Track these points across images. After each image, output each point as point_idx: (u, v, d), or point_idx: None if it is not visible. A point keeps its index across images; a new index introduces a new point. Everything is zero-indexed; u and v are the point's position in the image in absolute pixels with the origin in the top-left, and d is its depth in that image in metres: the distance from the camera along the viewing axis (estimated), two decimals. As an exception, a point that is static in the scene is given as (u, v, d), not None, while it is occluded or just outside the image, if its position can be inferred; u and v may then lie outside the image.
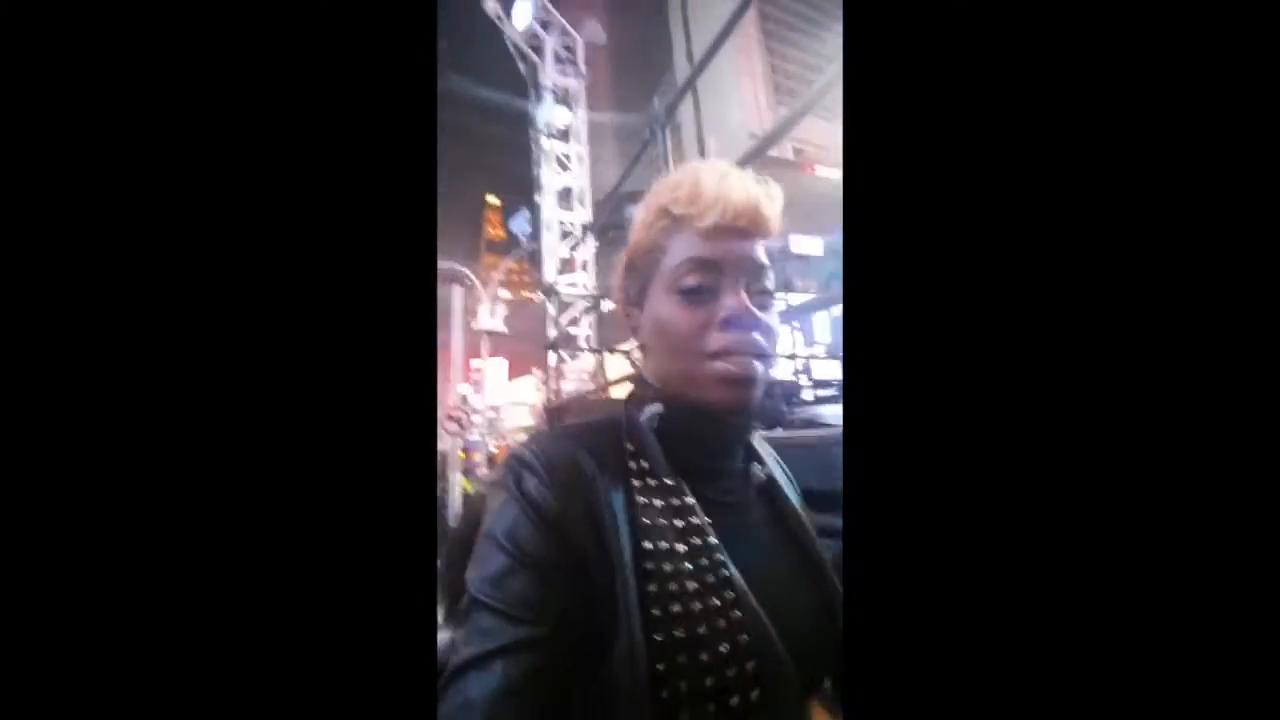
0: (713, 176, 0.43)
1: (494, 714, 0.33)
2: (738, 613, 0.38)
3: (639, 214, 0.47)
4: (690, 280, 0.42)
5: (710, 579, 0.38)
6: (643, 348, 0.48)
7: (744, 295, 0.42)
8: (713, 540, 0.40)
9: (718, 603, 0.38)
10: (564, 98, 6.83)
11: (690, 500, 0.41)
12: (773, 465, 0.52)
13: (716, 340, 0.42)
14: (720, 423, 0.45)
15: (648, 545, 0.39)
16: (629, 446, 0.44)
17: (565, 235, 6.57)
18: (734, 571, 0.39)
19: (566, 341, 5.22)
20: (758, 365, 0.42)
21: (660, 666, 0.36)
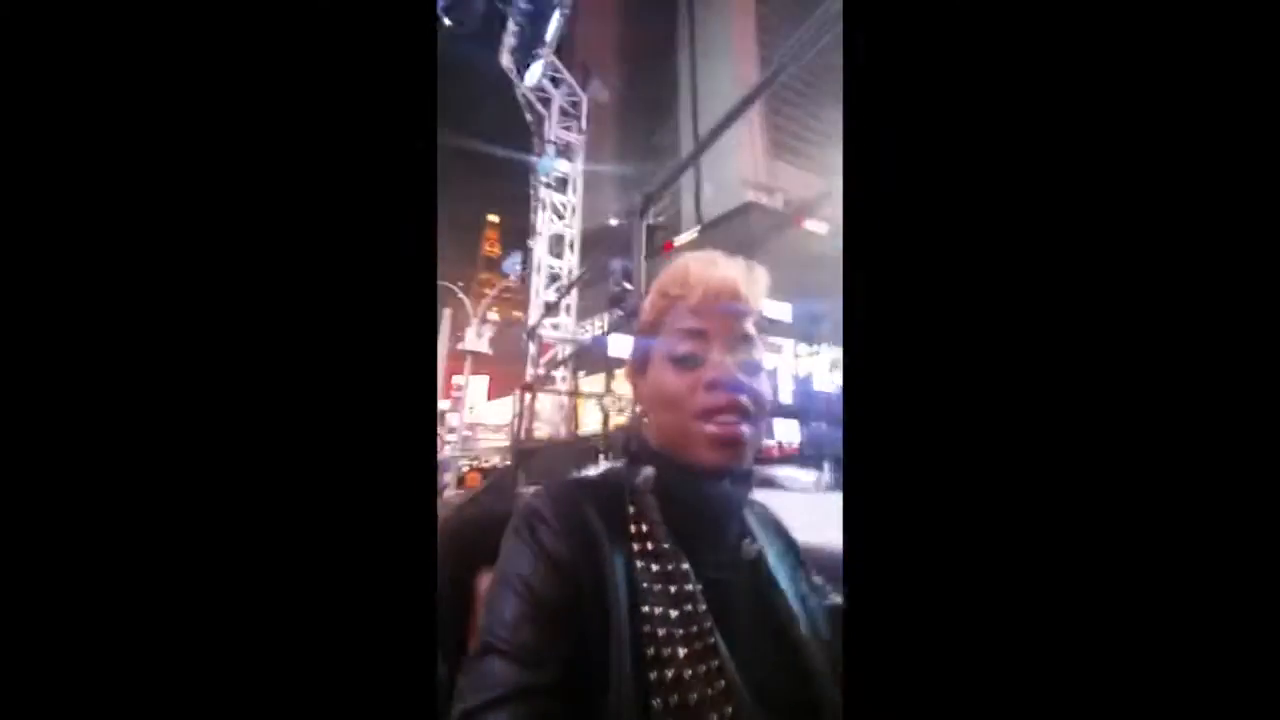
0: (700, 263, 0.50)
1: None
2: (722, 682, 0.39)
3: (647, 301, 0.53)
4: (681, 348, 0.47)
5: (698, 645, 0.40)
6: (644, 412, 0.52)
7: (728, 361, 0.46)
8: (703, 608, 0.42)
9: (704, 669, 0.39)
10: (565, 150, 7.34)
11: (685, 567, 0.43)
12: (765, 539, 0.54)
13: (703, 401, 0.45)
14: (713, 486, 0.47)
15: (644, 609, 0.41)
16: (631, 509, 0.46)
17: (553, 280, 6.99)
18: (719, 640, 0.41)
19: (543, 383, 5.53)
20: (744, 428, 0.45)
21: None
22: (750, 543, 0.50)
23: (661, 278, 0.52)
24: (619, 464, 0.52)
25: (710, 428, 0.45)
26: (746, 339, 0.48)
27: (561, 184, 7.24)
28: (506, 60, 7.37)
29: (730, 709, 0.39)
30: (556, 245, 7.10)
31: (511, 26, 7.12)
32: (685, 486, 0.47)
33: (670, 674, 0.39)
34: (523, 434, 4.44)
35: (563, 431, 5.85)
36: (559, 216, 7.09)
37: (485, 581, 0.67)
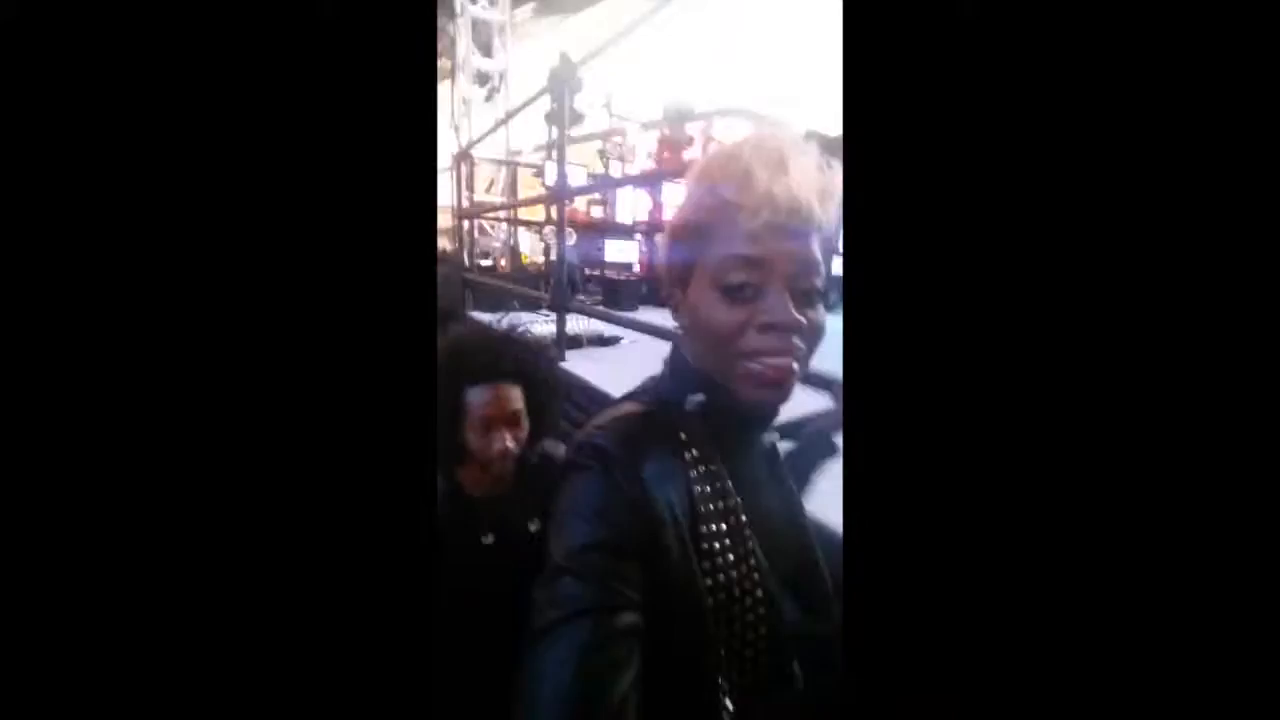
0: (767, 166, 0.41)
1: (581, 668, 0.35)
2: (758, 577, 0.43)
3: (689, 184, 0.46)
4: (734, 278, 0.42)
5: (741, 551, 0.43)
6: (684, 329, 0.48)
7: (788, 298, 0.41)
8: (744, 518, 0.44)
9: (745, 570, 0.43)
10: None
11: (729, 484, 0.45)
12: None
13: (754, 341, 0.42)
14: (757, 409, 0.46)
15: (703, 529, 0.42)
16: (682, 436, 0.46)
17: (483, 81, 5.72)
18: (756, 545, 0.44)
19: (481, 210, 4.83)
20: (794, 366, 0.43)
21: (709, 630, 0.41)
22: (767, 435, 0.52)
23: (710, 166, 0.45)
24: (659, 381, 0.51)
25: (757, 367, 0.43)
26: (810, 264, 0.42)
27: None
28: None
29: (761, 592, 0.43)
30: (483, 33, 5.66)
31: None
32: (730, 410, 0.46)
33: (721, 578, 0.42)
34: (468, 263, 4.12)
35: (504, 263, 5.42)
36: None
37: (474, 395, 0.84)
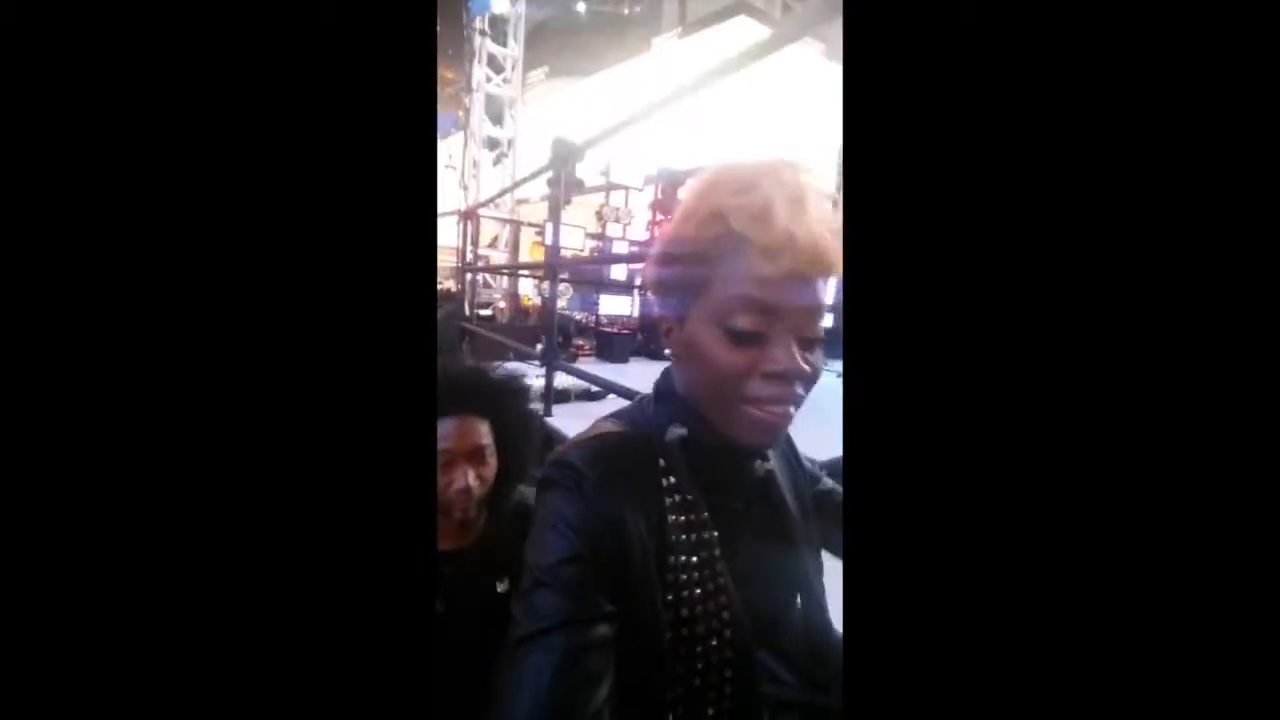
0: (787, 202, 0.38)
1: (558, 679, 0.36)
2: (727, 614, 0.43)
3: (686, 199, 0.43)
4: (742, 323, 0.39)
5: (710, 587, 0.43)
6: (675, 357, 0.46)
7: (794, 348, 0.40)
8: (717, 552, 0.44)
9: (714, 605, 0.43)
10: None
11: (705, 515, 0.44)
12: (775, 456, 0.53)
13: (757, 389, 0.40)
14: (744, 449, 0.46)
15: (670, 558, 0.42)
16: (661, 461, 0.45)
17: (493, 146, 6.20)
18: (729, 579, 0.44)
19: (482, 267, 5.15)
20: (792, 410, 0.42)
21: (662, 657, 0.41)
22: (762, 462, 0.50)
23: (719, 183, 0.41)
24: (643, 406, 0.49)
25: (757, 413, 0.41)
26: (820, 312, 0.41)
27: (499, 29, 6.16)
28: None
29: (729, 634, 0.43)
30: (494, 106, 6.20)
31: None
32: (714, 446, 0.45)
33: (685, 612, 0.42)
34: (468, 312, 4.41)
35: (504, 305, 5.70)
36: (496, 71, 6.12)
37: (439, 432, 0.76)
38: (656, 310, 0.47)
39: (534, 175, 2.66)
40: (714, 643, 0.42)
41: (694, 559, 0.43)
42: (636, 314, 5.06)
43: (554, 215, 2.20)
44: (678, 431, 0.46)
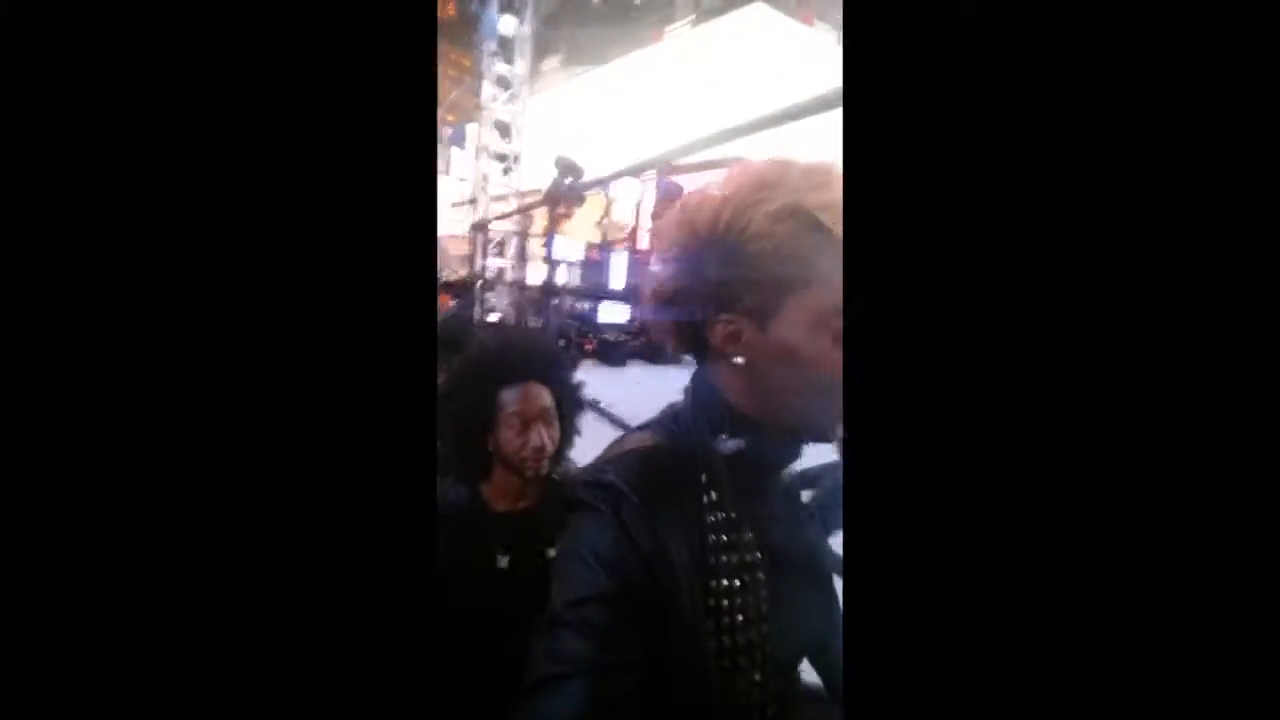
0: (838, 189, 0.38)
1: None
2: (765, 647, 0.41)
3: (736, 193, 0.41)
4: (840, 321, 0.38)
5: (752, 614, 0.40)
6: (748, 364, 0.43)
7: None
8: (761, 576, 0.41)
9: (755, 635, 0.40)
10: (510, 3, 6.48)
11: (749, 536, 0.42)
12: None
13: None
14: (793, 452, 0.45)
15: (713, 584, 0.40)
16: (703, 477, 0.42)
17: (500, 159, 6.65)
18: (767, 605, 0.41)
19: (496, 279, 5.60)
20: None
21: (709, 697, 0.38)
22: (786, 472, 0.49)
23: (798, 179, 0.41)
24: (678, 415, 0.47)
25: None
26: None
27: (507, 49, 6.52)
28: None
29: (759, 674, 0.40)
30: (502, 124, 6.63)
31: None
32: (763, 456, 0.45)
33: (727, 641, 0.40)
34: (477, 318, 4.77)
35: (514, 318, 6.18)
36: (504, 89, 6.53)
37: (506, 396, 0.84)
38: (710, 315, 0.42)
39: (533, 205, 2.88)
40: (756, 678, 0.40)
41: (736, 582, 0.41)
42: (634, 320, 5.46)
43: (551, 228, 2.49)
44: (733, 444, 0.43)
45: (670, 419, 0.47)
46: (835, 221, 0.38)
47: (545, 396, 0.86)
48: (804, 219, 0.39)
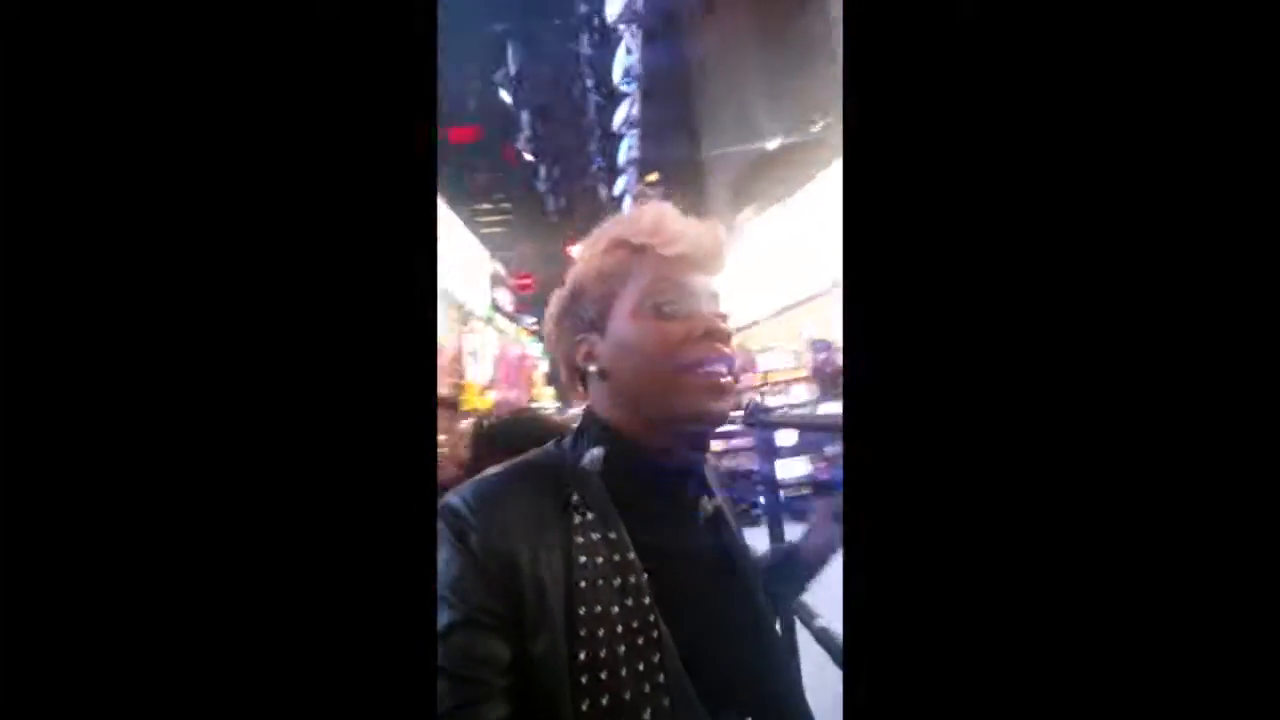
0: (674, 213, 0.46)
1: None
2: (661, 676, 0.38)
3: (586, 247, 0.48)
4: (666, 297, 0.43)
5: (639, 640, 0.38)
6: (601, 374, 0.46)
7: (715, 317, 0.44)
8: (646, 601, 0.39)
9: (643, 665, 0.37)
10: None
11: (631, 556, 0.40)
12: (721, 493, 0.50)
13: (695, 351, 0.43)
14: (669, 461, 0.45)
15: (582, 610, 0.38)
16: (575, 496, 0.42)
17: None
18: (664, 631, 0.39)
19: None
20: (731, 380, 0.44)
21: None
22: (708, 499, 0.48)
23: (615, 225, 0.48)
24: (560, 443, 0.47)
25: (705, 372, 0.43)
26: (718, 300, 0.47)
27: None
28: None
29: (667, 701, 0.37)
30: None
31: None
32: (642, 462, 0.44)
33: (605, 675, 0.37)
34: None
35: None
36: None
37: None
38: (572, 342, 0.48)
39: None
40: (646, 700, 0.37)
41: (615, 609, 0.38)
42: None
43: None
44: (595, 454, 0.43)
45: (552, 446, 0.48)
46: (646, 236, 0.45)
47: None
48: (623, 246, 0.46)
